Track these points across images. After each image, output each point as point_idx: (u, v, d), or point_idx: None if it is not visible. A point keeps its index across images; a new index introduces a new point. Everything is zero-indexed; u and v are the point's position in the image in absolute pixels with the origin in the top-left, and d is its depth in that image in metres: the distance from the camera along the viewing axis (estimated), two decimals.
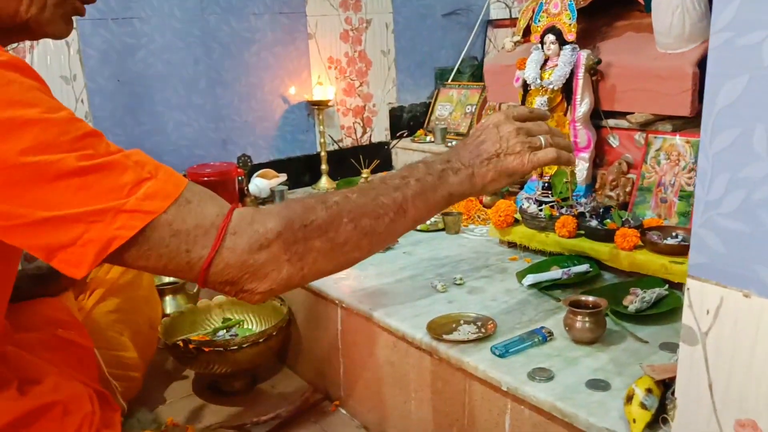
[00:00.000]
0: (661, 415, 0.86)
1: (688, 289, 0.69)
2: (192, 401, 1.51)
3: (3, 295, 0.91)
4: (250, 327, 1.64)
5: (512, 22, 2.61)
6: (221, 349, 1.41)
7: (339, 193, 0.83)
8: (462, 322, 1.24)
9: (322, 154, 2.38)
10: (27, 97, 0.69)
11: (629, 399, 0.88)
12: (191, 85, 2.17)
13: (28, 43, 1.83)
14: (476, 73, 2.62)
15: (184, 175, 2.03)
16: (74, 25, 1.90)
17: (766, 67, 0.59)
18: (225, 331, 1.60)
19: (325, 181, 2.38)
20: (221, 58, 2.21)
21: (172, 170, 0.75)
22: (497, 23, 2.76)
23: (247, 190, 2.14)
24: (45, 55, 1.86)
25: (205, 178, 2.03)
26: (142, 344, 1.40)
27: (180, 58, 2.13)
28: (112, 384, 1.22)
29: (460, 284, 1.44)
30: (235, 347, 1.42)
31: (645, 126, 1.61)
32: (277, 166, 2.33)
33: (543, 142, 0.97)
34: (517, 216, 1.62)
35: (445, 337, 1.18)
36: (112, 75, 2.00)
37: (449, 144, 2.42)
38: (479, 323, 1.23)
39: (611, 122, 1.70)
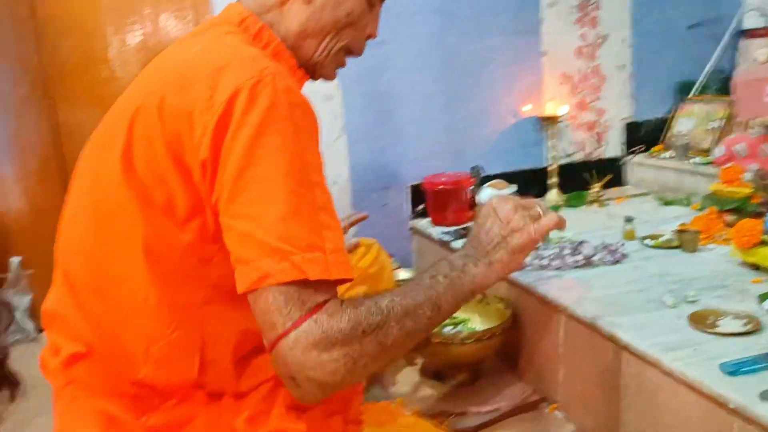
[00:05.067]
0: None
1: None
2: (419, 385, 1.66)
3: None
4: (474, 327, 1.74)
5: (767, 31, 2.42)
6: (447, 341, 1.53)
7: (386, 297, 0.89)
8: (724, 316, 1.29)
9: (552, 167, 2.41)
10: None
11: None
12: (430, 102, 2.35)
13: None
14: (722, 87, 2.47)
15: (419, 184, 2.22)
16: None
17: None
18: (452, 327, 1.72)
19: (554, 194, 2.41)
20: (459, 76, 2.36)
21: (343, 260, 0.85)
22: (751, 33, 2.56)
23: (477, 199, 2.26)
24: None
25: (440, 186, 2.19)
26: None
27: (421, 78, 2.33)
28: None
29: (692, 302, 1.39)
30: (460, 341, 1.53)
31: None
32: (507, 177, 2.40)
33: (541, 210, 1.01)
34: (765, 237, 1.52)
35: (709, 331, 1.24)
36: (363, 93, 2.26)
37: (691, 160, 2.31)
38: (744, 319, 1.25)
39: None
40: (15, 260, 2.17)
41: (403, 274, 1.97)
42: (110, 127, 1.00)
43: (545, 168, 2.46)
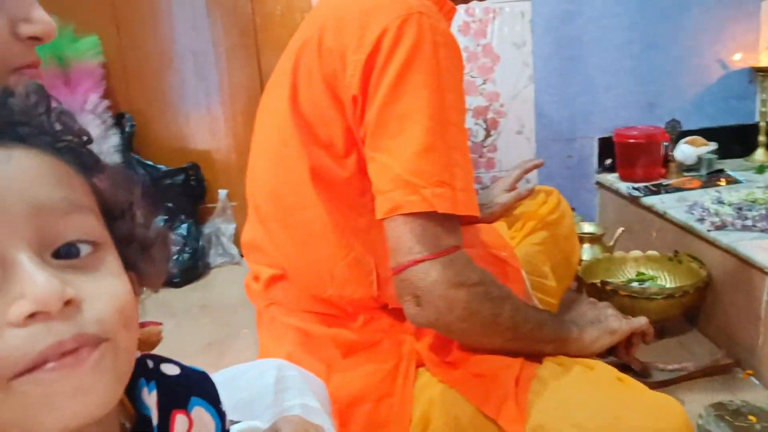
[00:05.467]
0: None
1: None
2: None
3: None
4: (662, 284, 1.66)
5: None
6: (635, 295, 1.48)
7: (509, 289, 0.99)
8: None
9: (762, 124, 2.19)
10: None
11: None
12: (623, 50, 2.22)
13: (490, 14, 2.12)
14: None
15: (610, 137, 2.13)
16: None
17: None
18: (638, 283, 1.65)
19: (761, 154, 2.20)
20: (657, 22, 2.21)
21: (471, 198, 0.92)
22: None
23: (672, 156, 2.12)
24: (502, 25, 2.13)
25: (631, 140, 2.08)
26: (559, 277, 1.54)
27: (615, 24, 2.20)
28: (534, 301, 1.39)
29: None
30: (648, 296, 1.47)
31: None
32: (707, 134, 2.22)
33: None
34: None
35: None
36: (553, 40, 2.19)
37: None
38: None
39: None
40: (222, 192, 2.41)
41: (588, 227, 1.92)
42: (281, 67, 1.09)
43: (754, 125, 2.24)
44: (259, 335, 1.20)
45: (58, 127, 0.43)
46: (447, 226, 0.91)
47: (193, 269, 2.25)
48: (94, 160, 0.45)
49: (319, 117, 0.99)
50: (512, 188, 1.54)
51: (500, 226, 1.49)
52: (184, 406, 0.50)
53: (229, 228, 2.40)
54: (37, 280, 0.37)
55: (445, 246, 0.90)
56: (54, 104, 0.43)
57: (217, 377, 0.57)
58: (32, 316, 0.36)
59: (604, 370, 1.02)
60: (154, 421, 0.48)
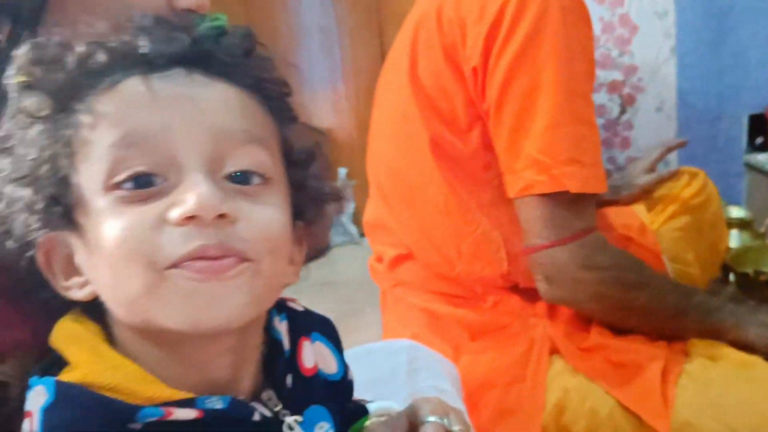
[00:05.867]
0: None
1: None
2: None
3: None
4: None
5: None
6: None
7: (652, 270, 0.98)
8: None
9: None
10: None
11: None
12: None
13: None
14: None
15: (762, 114, 1.96)
16: None
17: None
18: None
19: None
20: None
21: (600, 174, 0.90)
22: None
23: None
24: None
25: None
26: (704, 265, 1.43)
27: None
28: None
29: None
30: None
31: None
32: None
33: None
34: None
35: None
36: (700, 10, 2.02)
37: None
38: None
39: None
40: (342, 171, 2.43)
41: (735, 212, 1.78)
42: (399, 43, 1.08)
43: None
44: (383, 316, 1.20)
45: (260, 72, 0.48)
46: (577, 208, 0.89)
47: None
48: (287, 109, 0.50)
49: (440, 89, 0.98)
50: (652, 169, 1.46)
51: (639, 209, 1.42)
52: (308, 335, 0.55)
53: (349, 207, 2.42)
54: (201, 190, 0.41)
55: (575, 230, 0.89)
56: (259, 51, 0.49)
57: (347, 354, 0.58)
58: (189, 218, 0.41)
59: (764, 368, 0.95)
60: (286, 346, 0.51)
